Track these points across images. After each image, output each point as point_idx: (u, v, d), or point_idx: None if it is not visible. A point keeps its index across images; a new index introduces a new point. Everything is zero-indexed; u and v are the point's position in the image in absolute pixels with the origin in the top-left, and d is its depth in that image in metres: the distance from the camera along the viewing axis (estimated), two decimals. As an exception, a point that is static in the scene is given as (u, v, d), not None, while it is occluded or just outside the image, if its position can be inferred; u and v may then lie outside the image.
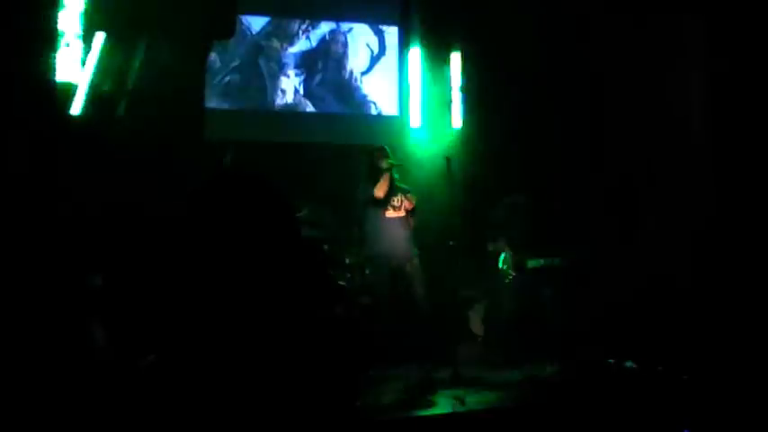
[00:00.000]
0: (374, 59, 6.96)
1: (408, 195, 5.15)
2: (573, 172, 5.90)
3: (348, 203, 5.30)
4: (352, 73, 6.88)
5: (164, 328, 3.69)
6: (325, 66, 6.82)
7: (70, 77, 5.32)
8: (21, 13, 4.91)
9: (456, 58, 6.59)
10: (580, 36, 6.03)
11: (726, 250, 4.95)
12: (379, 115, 6.92)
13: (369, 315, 4.99)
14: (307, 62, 6.76)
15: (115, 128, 5.61)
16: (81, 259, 4.67)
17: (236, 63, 6.52)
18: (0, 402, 3.47)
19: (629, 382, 4.49)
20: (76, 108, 5.53)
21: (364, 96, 6.89)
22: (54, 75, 5.22)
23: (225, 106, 6.46)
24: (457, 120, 6.70)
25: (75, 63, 5.33)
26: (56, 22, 5.21)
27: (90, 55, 5.52)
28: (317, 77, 6.79)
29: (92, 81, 5.55)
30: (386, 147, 5.23)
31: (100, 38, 5.51)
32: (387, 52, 6.97)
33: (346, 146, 6.35)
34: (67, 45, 5.29)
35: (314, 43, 6.79)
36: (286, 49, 6.71)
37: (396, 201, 5.09)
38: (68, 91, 5.35)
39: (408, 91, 6.65)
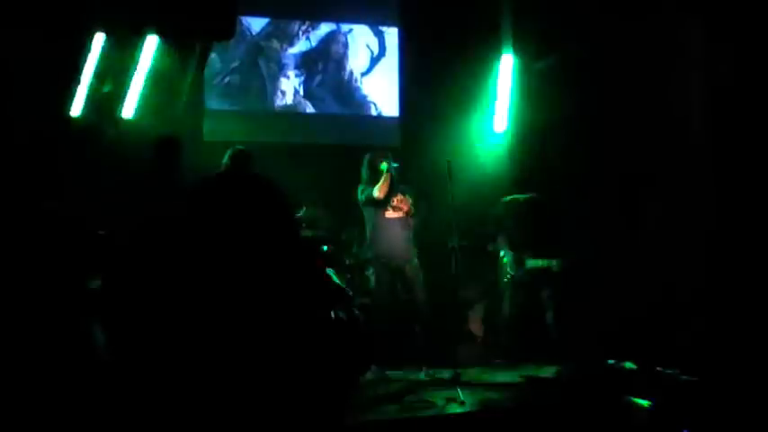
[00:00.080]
0: (374, 60, 6.96)
1: (408, 196, 5.16)
2: (572, 172, 5.90)
3: (348, 204, 5.31)
4: (352, 74, 6.88)
5: (163, 328, 3.69)
6: (325, 67, 6.83)
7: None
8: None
9: (455, 58, 6.58)
10: (579, 36, 6.03)
11: (726, 250, 4.95)
12: (379, 116, 6.92)
13: (368, 315, 4.99)
14: (307, 63, 6.77)
15: (115, 128, 5.62)
16: (80, 260, 4.68)
17: (235, 64, 6.53)
18: (0, 402, 3.48)
19: (629, 382, 4.49)
20: (76, 109, 5.55)
21: (364, 97, 6.90)
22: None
23: (225, 107, 6.47)
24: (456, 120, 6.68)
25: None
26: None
27: (90, 56, 5.54)
28: (317, 78, 6.80)
29: (91, 82, 5.56)
30: (386, 148, 5.25)
31: (100, 39, 5.52)
32: (387, 53, 6.97)
33: (346, 146, 6.36)
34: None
35: (314, 44, 6.80)
36: (286, 50, 6.71)
37: (395, 201, 5.09)
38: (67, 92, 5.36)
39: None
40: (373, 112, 6.92)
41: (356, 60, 6.89)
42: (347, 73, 6.87)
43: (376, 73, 6.94)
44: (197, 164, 5.71)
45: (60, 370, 3.76)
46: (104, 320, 4.23)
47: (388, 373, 4.78)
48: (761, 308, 4.69)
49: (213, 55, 6.25)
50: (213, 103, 6.40)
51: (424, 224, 5.48)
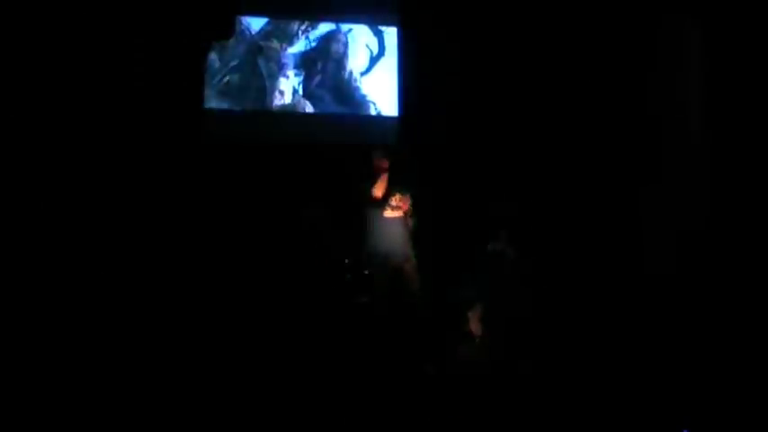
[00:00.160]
0: (374, 60, 6.96)
1: (406, 196, 5.16)
2: (572, 172, 5.90)
3: (347, 204, 5.31)
4: (351, 73, 6.88)
5: (164, 327, 3.69)
6: (324, 66, 6.82)
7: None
8: None
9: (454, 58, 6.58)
10: (578, 36, 6.04)
11: (723, 250, 4.96)
12: (379, 116, 6.92)
13: (367, 315, 4.99)
14: (306, 62, 6.76)
15: (115, 128, 5.61)
16: (81, 259, 4.68)
17: (235, 63, 6.52)
18: (0, 402, 3.48)
19: (629, 382, 4.49)
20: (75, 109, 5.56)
21: (364, 97, 6.90)
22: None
23: (224, 106, 6.46)
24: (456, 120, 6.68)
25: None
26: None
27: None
28: (317, 78, 6.80)
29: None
30: (382, 147, 5.25)
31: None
32: (386, 53, 6.97)
33: (345, 146, 6.35)
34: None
35: (313, 44, 6.80)
36: (285, 50, 6.71)
37: (394, 201, 5.09)
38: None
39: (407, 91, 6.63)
40: (372, 112, 6.92)
41: (356, 60, 6.88)
42: (347, 72, 6.87)
43: (375, 73, 6.93)
44: (196, 163, 5.74)
45: (59, 370, 3.76)
46: (104, 320, 4.24)
47: (386, 372, 4.77)
48: (759, 306, 4.71)
49: (212, 54, 6.24)
50: (212, 102, 6.40)
51: (422, 223, 5.49)
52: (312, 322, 4.08)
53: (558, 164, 6.05)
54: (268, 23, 6.67)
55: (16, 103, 4.94)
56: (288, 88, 6.70)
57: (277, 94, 6.66)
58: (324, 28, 6.82)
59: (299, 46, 6.75)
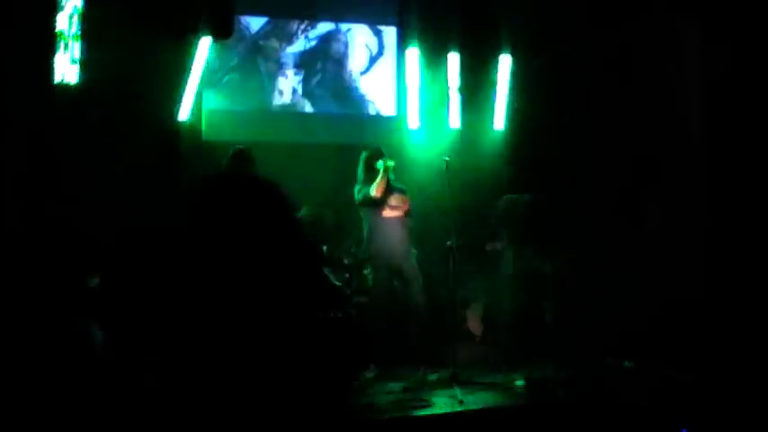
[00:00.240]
0: (373, 59, 6.95)
1: (405, 195, 5.16)
2: (571, 172, 5.90)
3: (346, 203, 5.31)
4: (350, 73, 6.88)
5: (162, 328, 3.69)
6: (323, 66, 6.81)
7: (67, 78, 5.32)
8: (21, 15, 4.92)
9: (454, 58, 6.57)
10: (578, 36, 6.03)
11: (723, 250, 4.96)
12: (378, 115, 6.91)
13: (367, 315, 4.99)
14: (305, 62, 6.75)
15: (114, 128, 5.60)
16: (79, 260, 4.67)
17: (234, 62, 6.51)
18: (0, 402, 3.48)
19: (628, 382, 4.49)
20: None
21: (363, 96, 6.89)
22: (53, 76, 5.23)
23: (223, 106, 6.46)
24: (455, 120, 6.68)
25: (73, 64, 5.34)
26: (54, 24, 5.22)
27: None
28: (316, 77, 6.79)
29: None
30: (382, 147, 5.24)
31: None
32: (385, 52, 6.97)
33: (344, 146, 6.35)
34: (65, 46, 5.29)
35: (313, 43, 6.79)
36: (285, 49, 6.70)
37: (393, 201, 5.09)
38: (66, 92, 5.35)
39: (406, 91, 6.62)
40: (372, 112, 6.91)
41: (355, 59, 6.88)
42: (346, 72, 6.86)
43: (374, 72, 6.93)
44: (196, 163, 5.73)
45: (59, 369, 3.76)
46: (102, 319, 4.23)
47: (386, 372, 4.78)
48: (758, 306, 4.71)
49: (212, 54, 6.23)
50: (212, 101, 6.39)
51: (422, 223, 5.49)
52: (312, 322, 4.07)
53: (558, 164, 6.05)
54: (267, 23, 6.66)
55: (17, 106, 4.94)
56: (287, 87, 6.69)
57: (276, 93, 6.65)
58: (323, 27, 6.81)
59: (298, 45, 6.74)
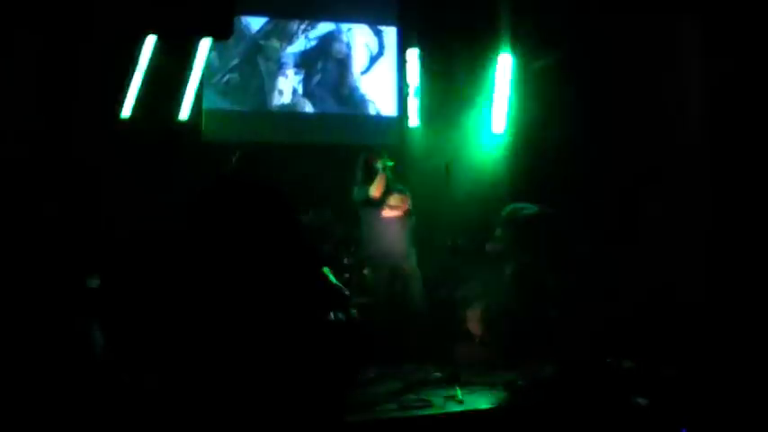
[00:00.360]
0: (373, 59, 6.96)
1: (405, 195, 5.16)
2: (571, 173, 5.90)
3: (346, 203, 5.31)
4: (351, 73, 6.88)
5: (163, 330, 3.69)
6: (324, 66, 6.82)
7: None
8: None
9: (453, 58, 6.58)
10: (578, 36, 6.03)
11: (723, 250, 4.95)
12: (378, 115, 6.92)
13: (367, 315, 4.99)
14: (306, 62, 6.76)
15: (113, 128, 5.62)
16: (79, 260, 4.68)
17: (234, 62, 6.52)
18: (0, 402, 3.48)
19: (628, 382, 4.49)
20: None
21: (363, 96, 6.90)
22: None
23: (223, 106, 6.46)
24: (454, 120, 6.68)
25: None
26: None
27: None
28: (316, 77, 6.79)
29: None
30: (382, 147, 5.25)
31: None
32: (385, 52, 6.97)
33: (344, 146, 6.35)
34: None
35: (313, 43, 6.79)
36: (285, 49, 6.71)
37: (392, 201, 5.09)
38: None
39: (406, 91, 6.62)
40: (372, 112, 6.91)
41: (355, 59, 6.88)
42: (346, 72, 6.86)
43: (375, 72, 6.93)
44: (195, 162, 5.73)
45: (58, 371, 3.76)
46: (102, 319, 4.24)
47: (386, 372, 4.78)
48: (758, 306, 4.70)
49: (212, 54, 6.24)
50: (212, 101, 6.39)
51: (422, 223, 5.49)
52: (311, 322, 4.07)
53: (558, 163, 6.05)
54: (267, 23, 6.67)
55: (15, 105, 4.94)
56: (287, 87, 6.69)
57: (276, 93, 6.66)
58: (323, 27, 6.82)
59: (298, 45, 6.74)
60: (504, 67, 6.35)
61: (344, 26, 6.87)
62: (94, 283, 4.51)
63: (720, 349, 4.59)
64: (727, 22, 4.96)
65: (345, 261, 5.55)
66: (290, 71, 6.70)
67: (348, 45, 6.87)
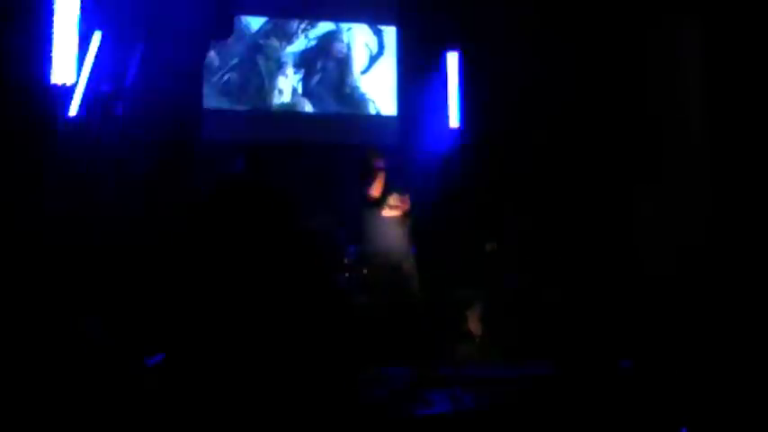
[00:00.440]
0: (373, 59, 6.96)
1: (404, 195, 5.15)
2: (571, 173, 5.90)
3: (345, 203, 5.31)
4: (351, 72, 6.88)
5: (165, 328, 3.69)
6: (324, 65, 6.81)
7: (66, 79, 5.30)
8: (17, 15, 4.91)
9: (453, 58, 6.57)
10: (578, 37, 6.03)
11: (724, 250, 4.96)
12: (378, 115, 6.91)
13: (366, 314, 4.99)
14: (305, 61, 6.75)
15: (113, 128, 5.60)
16: (80, 259, 4.68)
17: (234, 62, 6.52)
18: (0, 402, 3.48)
19: (628, 382, 4.49)
20: (73, 109, 5.52)
21: (363, 96, 6.89)
22: (50, 77, 5.22)
23: (223, 105, 6.46)
24: (454, 120, 6.68)
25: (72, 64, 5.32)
26: (51, 24, 5.21)
27: (87, 55, 5.52)
28: (316, 77, 6.79)
29: (88, 82, 5.55)
30: (382, 146, 5.24)
31: (97, 38, 5.50)
32: (385, 52, 6.97)
33: (344, 145, 6.35)
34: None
35: (313, 42, 6.79)
36: (285, 48, 6.70)
37: (392, 200, 5.08)
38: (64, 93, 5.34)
39: (406, 91, 6.63)
40: (372, 111, 6.91)
41: (355, 59, 6.88)
42: (346, 71, 6.86)
43: (375, 72, 6.93)
44: (195, 162, 5.74)
45: (59, 369, 3.76)
46: (102, 319, 4.23)
47: (386, 371, 4.78)
48: (758, 306, 4.70)
49: (212, 53, 6.24)
50: (211, 101, 6.39)
51: (421, 223, 5.48)
52: (311, 322, 4.07)
53: (558, 163, 6.05)
54: (267, 22, 6.67)
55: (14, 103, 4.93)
56: (287, 87, 6.69)
57: (276, 92, 6.65)
58: (323, 27, 6.82)
59: (298, 44, 6.74)
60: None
61: (344, 26, 6.87)
62: (95, 281, 4.51)
63: (720, 348, 4.60)
64: (727, 22, 4.96)
65: (345, 261, 5.54)
66: (290, 70, 6.70)
67: (348, 45, 6.87)
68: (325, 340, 3.84)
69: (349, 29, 6.88)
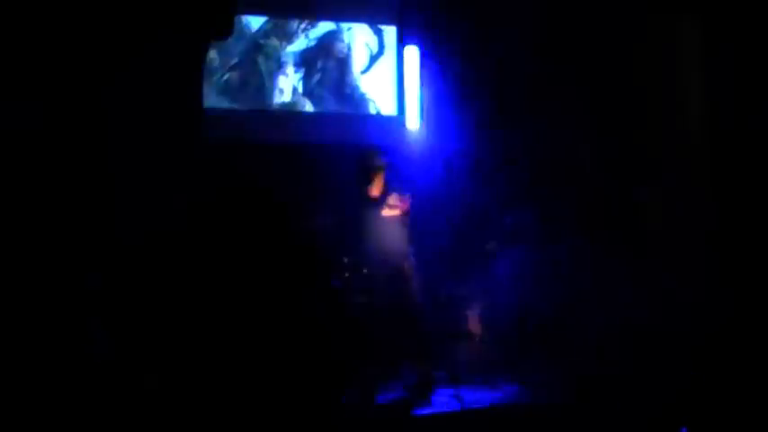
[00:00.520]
0: (373, 59, 6.95)
1: (404, 194, 5.15)
2: (571, 173, 5.90)
3: (345, 203, 5.30)
4: (351, 72, 6.87)
5: (164, 329, 3.69)
6: (324, 65, 6.81)
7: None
8: None
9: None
10: (578, 36, 6.03)
11: (724, 251, 4.96)
12: (378, 115, 6.91)
13: (366, 314, 4.99)
14: (306, 61, 6.75)
15: (115, 127, 5.60)
16: (80, 258, 4.68)
17: (234, 61, 6.51)
18: (0, 403, 3.48)
19: (628, 382, 4.49)
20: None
21: (363, 96, 6.89)
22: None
23: (223, 105, 6.45)
24: (453, 120, 6.67)
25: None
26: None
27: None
28: (317, 76, 6.79)
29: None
30: (382, 146, 5.24)
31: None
32: (385, 52, 6.97)
33: (344, 145, 6.34)
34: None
35: (313, 42, 6.78)
36: (285, 48, 6.70)
37: (391, 200, 5.08)
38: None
39: (405, 91, 6.63)
40: (372, 111, 6.91)
41: (355, 59, 6.88)
42: (346, 71, 6.86)
43: (375, 71, 6.93)
44: (195, 162, 5.72)
45: (60, 370, 3.76)
46: (102, 319, 4.23)
47: (386, 371, 4.78)
48: (759, 307, 4.71)
49: (211, 53, 6.22)
50: (211, 100, 6.38)
51: (421, 222, 5.48)
52: (310, 322, 4.08)
53: (558, 163, 6.05)
54: (267, 22, 6.66)
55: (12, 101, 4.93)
56: (287, 86, 6.69)
57: (277, 92, 6.65)
58: (323, 26, 6.81)
59: (298, 44, 6.74)
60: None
61: (344, 25, 6.86)
62: (96, 281, 4.51)
63: (720, 347, 4.60)
64: (727, 22, 4.97)
65: (345, 261, 5.54)
66: (290, 70, 6.69)
67: (348, 44, 6.87)
68: (318, 340, 3.85)
69: (349, 29, 6.87)
